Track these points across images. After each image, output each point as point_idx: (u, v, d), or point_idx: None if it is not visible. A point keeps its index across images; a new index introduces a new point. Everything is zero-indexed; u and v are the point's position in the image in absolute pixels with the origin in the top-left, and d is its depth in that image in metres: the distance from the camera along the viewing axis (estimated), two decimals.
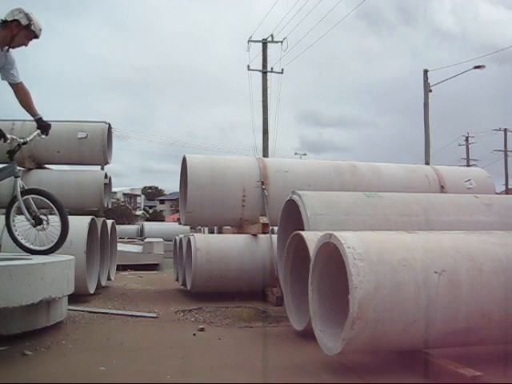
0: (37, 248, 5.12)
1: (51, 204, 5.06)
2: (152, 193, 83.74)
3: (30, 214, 4.99)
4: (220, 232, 17.42)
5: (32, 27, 4.81)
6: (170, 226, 23.31)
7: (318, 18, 71.86)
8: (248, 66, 24.24)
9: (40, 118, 5.20)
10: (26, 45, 4.96)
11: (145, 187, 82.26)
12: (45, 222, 5.04)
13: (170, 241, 12.79)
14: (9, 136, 4.91)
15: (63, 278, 4.87)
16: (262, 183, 7.77)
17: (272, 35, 24.05)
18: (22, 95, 5.10)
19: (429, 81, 23.59)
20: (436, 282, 3.49)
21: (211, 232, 19.27)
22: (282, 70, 24.17)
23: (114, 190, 13.49)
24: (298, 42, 53.49)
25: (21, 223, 5.07)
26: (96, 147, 8.92)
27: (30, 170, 8.90)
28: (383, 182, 8.09)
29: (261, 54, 24.19)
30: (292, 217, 5.79)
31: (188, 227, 10.46)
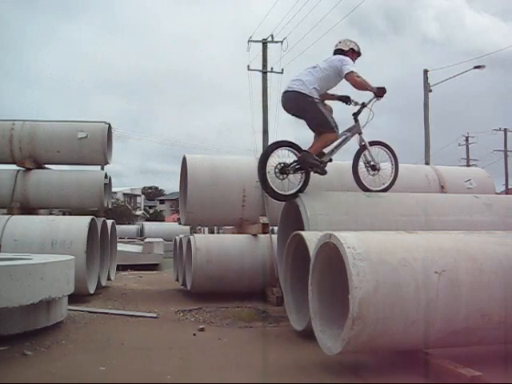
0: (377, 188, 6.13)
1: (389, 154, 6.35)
2: (152, 193, 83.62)
3: (368, 162, 6.17)
4: (220, 232, 17.41)
5: (360, 50, 6.06)
6: (170, 226, 23.25)
7: (314, 23, 71.99)
8: (248, 66, 24.14)
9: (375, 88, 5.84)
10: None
11: (145, 187, 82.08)
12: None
13: (170, 241, 12.79)
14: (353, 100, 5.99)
15: (63, 278, 4.88)
16: None
17: (272, 35, 24.02)
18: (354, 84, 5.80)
19: (428, 81, 23.57)
20: (436, 282, 3.49)
21: (211, 232, 19.24)
22: (282, 69, 24.10)
23: (114, 190, 13.50)
24: (292, 47, 53.59)
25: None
26: (96, 147, 8.92)
27: (30, 169, 8.92)
28: None
29: (260, 54, 24.15)
30: (292, 217, 5.79)
31: (188, 227, 10.44)
